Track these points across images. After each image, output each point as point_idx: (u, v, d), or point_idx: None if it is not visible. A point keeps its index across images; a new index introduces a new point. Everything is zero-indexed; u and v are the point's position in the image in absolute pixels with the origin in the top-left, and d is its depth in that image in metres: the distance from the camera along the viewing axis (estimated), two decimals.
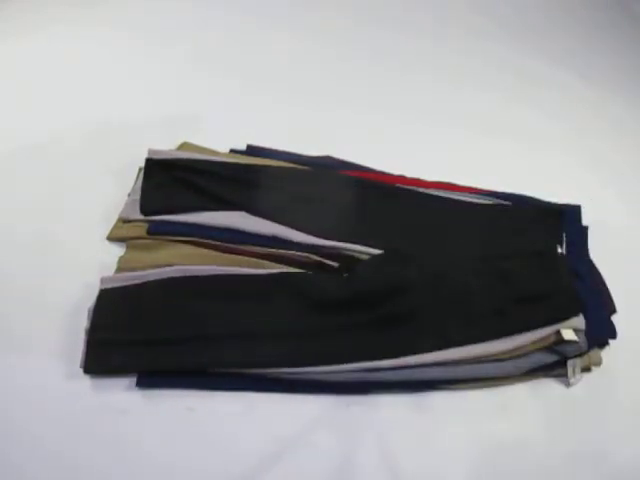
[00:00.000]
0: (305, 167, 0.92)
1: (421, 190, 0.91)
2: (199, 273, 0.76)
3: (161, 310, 0.74)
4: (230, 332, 0.72)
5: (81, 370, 0.69)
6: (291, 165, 0.92)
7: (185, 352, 0.70)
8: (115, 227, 0.84)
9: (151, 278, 0.76)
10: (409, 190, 0.90)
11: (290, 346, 0.72)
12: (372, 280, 0.76)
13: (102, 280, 0.76)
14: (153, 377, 0.70)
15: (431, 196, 0.90)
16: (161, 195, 0.85)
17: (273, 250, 0.81)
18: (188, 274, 0.76)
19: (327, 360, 0.70)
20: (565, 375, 0.74)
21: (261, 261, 0.79)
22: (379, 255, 0.80)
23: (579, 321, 0.75)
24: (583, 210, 0.91)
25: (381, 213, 0.87)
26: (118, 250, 0.82)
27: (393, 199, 0.89)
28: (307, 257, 0.80)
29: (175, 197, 0.85)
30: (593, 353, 0.76)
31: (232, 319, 0.73)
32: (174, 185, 0.87)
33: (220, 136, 0.97)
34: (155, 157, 0.89)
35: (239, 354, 0.70)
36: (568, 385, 0.74)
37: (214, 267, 0.77)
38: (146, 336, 0.71)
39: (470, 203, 0.90)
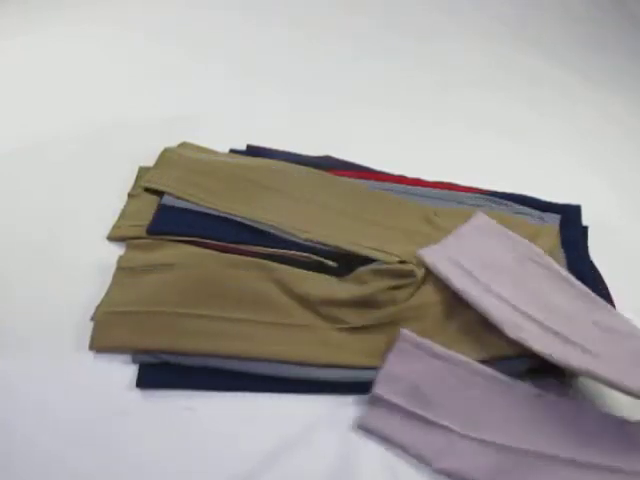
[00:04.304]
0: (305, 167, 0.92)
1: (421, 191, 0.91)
2: None
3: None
4: None
5: (80, 370, 0.69)
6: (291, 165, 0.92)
7: None
8: (115, 226, 0.84)
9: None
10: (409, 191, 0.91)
11: None
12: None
13: None
14: (153, 377, 0.70)
15: (431, 198, 0.90)
16: None
17: (273, 250, 0.81)
18: None
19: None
20: (564, 375, 0.74)
21: (261, 261, 0.79)
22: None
23: None
24: (583, 210, 0.91)
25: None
26: (118, 250, 0.82)
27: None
28: (307, 257, 0.80)
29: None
30: None
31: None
32: None
33: (220, 136, 0.97)
34: None
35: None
36: (567, 385, 0.74)
37: (214, 268, 0.77)
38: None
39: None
